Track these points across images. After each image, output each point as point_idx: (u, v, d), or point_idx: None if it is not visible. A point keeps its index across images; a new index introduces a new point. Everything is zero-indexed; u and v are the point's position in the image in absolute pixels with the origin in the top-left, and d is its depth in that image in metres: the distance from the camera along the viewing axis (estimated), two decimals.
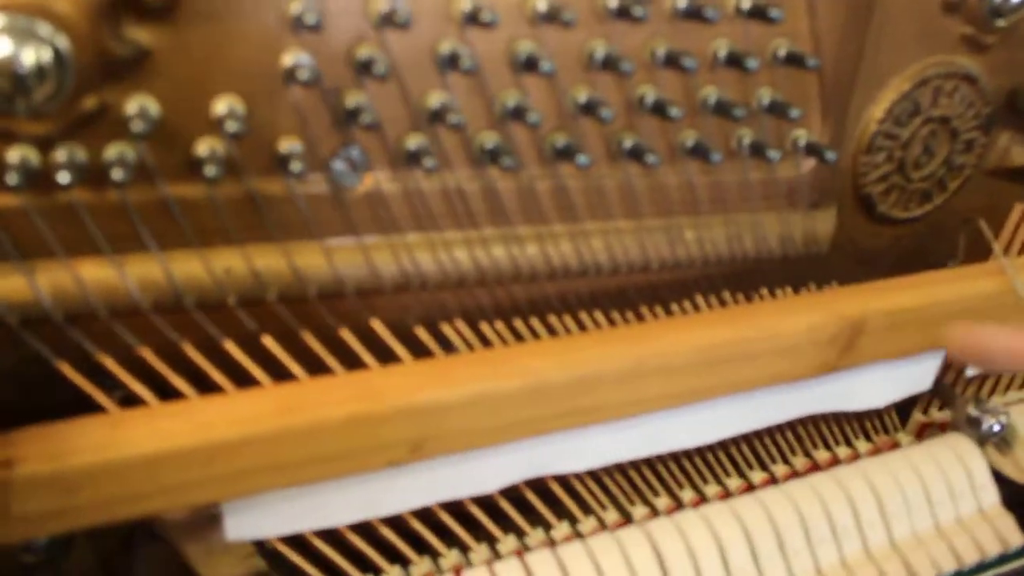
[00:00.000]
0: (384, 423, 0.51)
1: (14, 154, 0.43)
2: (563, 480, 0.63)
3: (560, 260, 0.57)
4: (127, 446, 0.47)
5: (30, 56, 0.40)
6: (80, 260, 0.47)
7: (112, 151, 0.45)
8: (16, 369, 0.49)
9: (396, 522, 0.60)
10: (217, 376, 0.51)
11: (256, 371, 0.51)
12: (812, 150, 0.59)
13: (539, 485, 0.62)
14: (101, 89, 0.44)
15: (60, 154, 0.44)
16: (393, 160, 0.51)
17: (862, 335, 0.61)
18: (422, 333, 0.55)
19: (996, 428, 0.67)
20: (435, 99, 0.50)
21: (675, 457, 0.68)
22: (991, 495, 0.66)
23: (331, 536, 0.58)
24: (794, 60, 0.56)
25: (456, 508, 0.60)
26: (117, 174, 0.44)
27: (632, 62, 0.51)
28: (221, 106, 0.46)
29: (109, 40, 0.42)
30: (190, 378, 0.51)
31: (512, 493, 0.62)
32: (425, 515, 0.60)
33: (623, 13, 0.50)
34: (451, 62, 0.49)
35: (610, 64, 0.52)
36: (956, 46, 0.62)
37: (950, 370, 0.72)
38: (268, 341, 0.52)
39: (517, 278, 0.56)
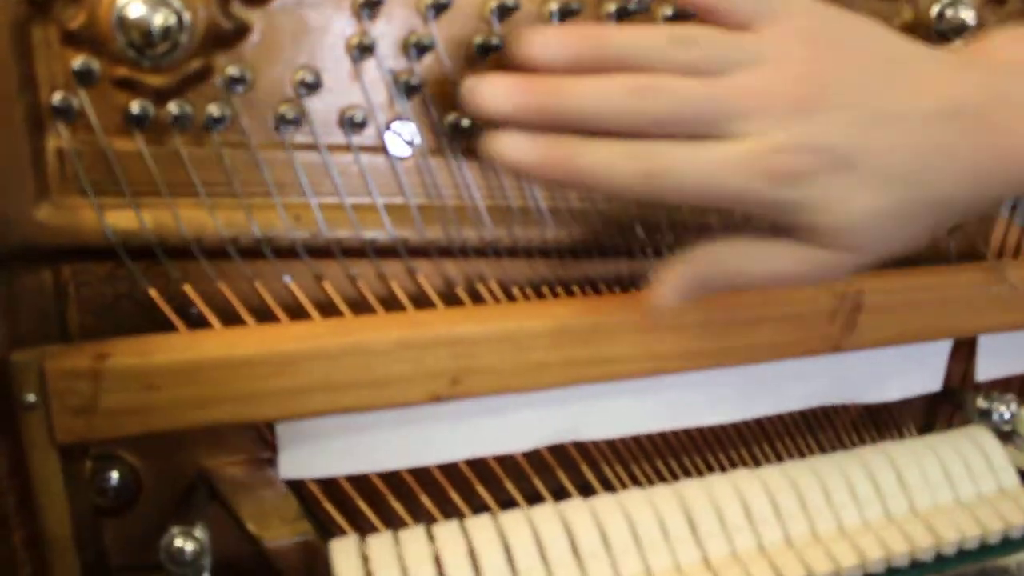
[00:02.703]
0: (427, 349, 0.57)
1: (136, 104, 0.55)
2: (596, 469, 0.68)
3: None
4: (203, 350, 0.54)
5: (159, 19, 0.53)
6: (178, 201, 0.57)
7: (212, 108, 0.56)
8: (111, 304, 0.58)
9: (438, 493, 0.65)
10: (280, 313, 0.59)
11: (314, 312, 0.59)
12: None
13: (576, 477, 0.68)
14: (208, 54, 0.55)
15: (172, 106, 0.55)
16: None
17: (860, 312, 0.67)
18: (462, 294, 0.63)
19: (1007, 416, 0.70)
20: None
21: (700, 452, 0.72)
22: (1011, 476, 0.68)
23: (375, 500, 0.63)
24: None
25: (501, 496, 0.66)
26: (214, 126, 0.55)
27: None
28: (301, 75, 0.57)
29: (219, 15, 0.55)
30: (256, 317, 0.59)
31: (550, 482, 0.67)
32: (467, 494, 0.65)
33: None
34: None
35: None
36: None
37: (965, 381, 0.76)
38: (328, 286, 0.60)
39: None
